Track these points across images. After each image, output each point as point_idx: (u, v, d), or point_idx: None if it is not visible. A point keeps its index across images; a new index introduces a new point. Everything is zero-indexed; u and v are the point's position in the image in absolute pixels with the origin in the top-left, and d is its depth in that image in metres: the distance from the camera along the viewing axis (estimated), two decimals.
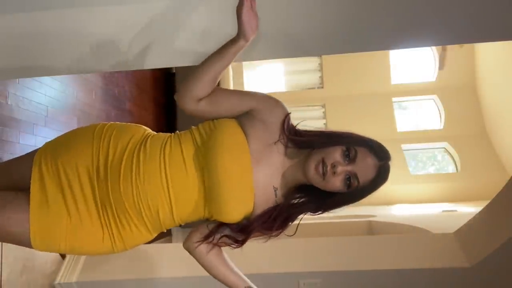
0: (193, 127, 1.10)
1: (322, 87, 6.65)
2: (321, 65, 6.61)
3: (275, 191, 1.07)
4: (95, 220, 1.03)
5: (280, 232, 1.10)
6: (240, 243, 1.09)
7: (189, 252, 1.19)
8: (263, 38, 1.08)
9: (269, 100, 1.09)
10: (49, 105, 2.54)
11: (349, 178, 1.02)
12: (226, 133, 1.03)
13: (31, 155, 1.08)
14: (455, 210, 4.31)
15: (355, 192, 1.05)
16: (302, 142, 1.07)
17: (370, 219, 4.08)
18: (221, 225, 1.07)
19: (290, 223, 1.11)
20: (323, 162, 1.01)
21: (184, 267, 2.44)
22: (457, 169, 6.21)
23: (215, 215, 1.05)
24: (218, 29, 1.03)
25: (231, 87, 4.93)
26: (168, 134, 1.12)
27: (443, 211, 4.40)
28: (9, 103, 2.18)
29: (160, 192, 1.01)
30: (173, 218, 1.05)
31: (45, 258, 2.32)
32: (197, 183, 1.03)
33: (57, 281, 2.33)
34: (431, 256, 2.33)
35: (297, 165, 1.08)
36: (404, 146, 6.27)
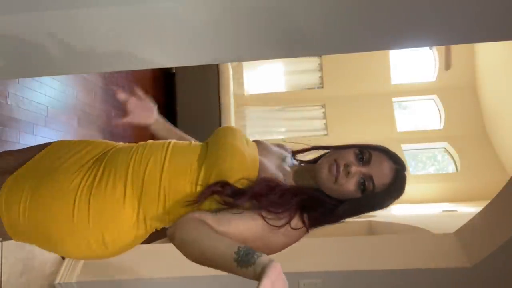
0: None
1: (322, 87, 6.64)
2: (321, 65, 6.61)
3: (284, 180, 0.98)
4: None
5: (288, 218, 0.90)
6: (230, 204, 0.89)
7: (183, 240, 0.87)
8: (263, 38, 1.08)
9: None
10: (49, 105, 2.54)
11: (364, 181, 0.94)
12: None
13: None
14: (455, 210, 4.31)
15: (369, 198, 0.95)
16: (314, 147, 1.07)
17: (370, 219, 4.08)
18: (218, 183, 0.90)
19: (295, 210, 0.92)
20: (336, 162, 0.94)
21: (184, 267, 2.44)
22: (457, 169, 6.21)
23: (212, 169, 0.91)
24: (218, 29, 1.03)
25: (231, 87, 4.92)
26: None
27: (443, 211, 4.40)
28: (9, 103, 2.18)
29: (159, 148, 0.98)
30: (160, 179, 0.93)
31: (45, 259, 2.32)
32: (198, 151, 0.98)
33: (57, 281, 2.33)
34: (431, 256, 2.33)
35: (305, 170, 1.03)
36: (404, 146, 6.26)
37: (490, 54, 5.77)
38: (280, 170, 1.01)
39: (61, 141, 1.10)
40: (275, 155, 1.06)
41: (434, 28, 1.06)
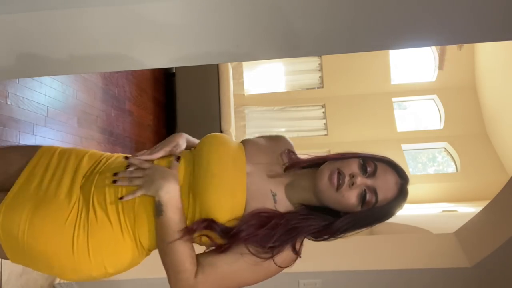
0: None
1: (322, 87, 6.65)
2: (321, 65, 6.61)
3: (273, 196, 0.92)
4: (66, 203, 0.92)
5: (276, 251, 0.86)
6: (220, 248, 0.87)
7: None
8: (264, 38, 1.08)
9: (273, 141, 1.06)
10: (49, 105, 2.54)
11: (366, 194, 0.88)
12: (221, 136, 1.00)
13: (34, 147, 1.04)
14: (455, 210, 4.31)
15: (369, 213, 0.89)
16: (311, 161, 0.96)
17: None
18: (205, 221, 0.87)
19: (287, 242, 0.89)
20: (339, 172, 0.87)
21: None
22: (457, 169, 6.21)
23: (200, 206, 0.89)
24: (218, 29, 1.03)
25: (231, 87, 4.93)
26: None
27: (443, 211, 4.40)
28: (9, 103, 2.18)
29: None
30: (150, 205, 0.92)
31: None
32: (185, 174, 0.94)
33: (57, 281, 2.33)
34: (431, 256, 2.33)
35: (304, 178, 0.94)
36: (404, 146, 6.27)
37: (490, 54, 5.77)
38: (269, 182, 0.94)
39: (42, 155, 1.03)
40: (267, 155, 0.99)
41: (434, 28, 1.06)
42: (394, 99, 6.56)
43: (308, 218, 0.91)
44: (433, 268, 2.25)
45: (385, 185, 0.89)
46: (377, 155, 0.94)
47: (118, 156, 1.05)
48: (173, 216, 0.87)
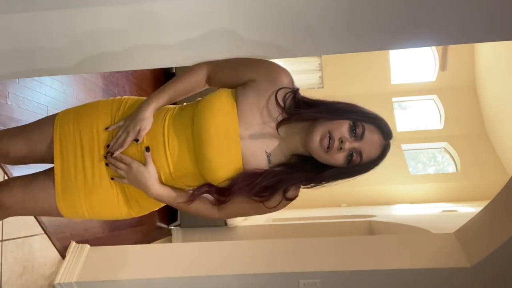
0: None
1: (322, 87, 6.64)
2: (321, 65, 6.61)
3: (268, 156, 1.03)
4: (107, 181, 1.10)
5: (263, 200, 1.02)
6: (221, 202, 1.06)
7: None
8: (263, 38, 1.08)
9: (275, 71, 1.07)
10: (49, 105, 2.54)
11: (352, 154, 0.99)
12: (216, 97, 1.05)
13: (51, 118, 1.18)
14: (455, 210, 4.31)
15: (353, 168, 1.01)
16: (304, 118, 1.02)
17: (370, 219, 4.08)
18: (203, 186, 1.07)
19: (275, 192, 1.03)
20: (330, 135, 0.97)
21: (184, 267, 2.44)
22: (457, 169, 6.21)
23: (203, 174, 1.04)
24: (219, 29, 1.03)
25: None
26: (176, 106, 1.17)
27: (443, 211, 4.40)
28: (9, 103, 2.18)
29: (160, 156, 1.06)
30: (172, 177, 1.08)
31: (45, 259, 2.32)
32: (189, 144, 1.05)
33: (57, 281, 2.33)
34: (431, 256, 2.33)
35: (297, 134, 1.04)
36: (404, 146, 6.27)
37: (490, 54, 5.77)
38: (263, 141, 1.04)
39: (63, 124, 1.17)
40: (260, 113, 1.04)
41: (434, 28, 1.06)
42: (394, 99, 6.56)
43: (296, 171, 1.03)
44: (433, 268, 2.25)
45: (370, 147, 1.00)
46: (367, 113, 1.04)
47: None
48: (169, 200, 1.08)
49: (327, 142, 0.96)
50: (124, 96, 1.19)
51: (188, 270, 2.41)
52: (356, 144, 0.98)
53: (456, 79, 6.31)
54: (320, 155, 0.99)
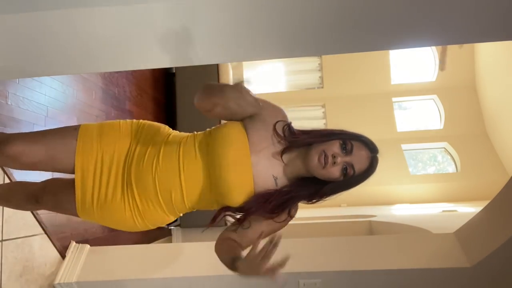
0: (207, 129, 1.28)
1: (322, 87, 6.64)
2: (321, 65, 6.61)
3: (275, 180, 1.20)
4: (119, 198, 1.20)
5: (275, 215, 1.18)
6: (240, 221, 1.20)
7: (217, 254, 1.26)
8: (263, 38, 1.09)
9: (272, 106, 1.23)
10: (49, 105, 2.54)
11: (346, 168, 1.16)
12: (229, 128, 1.19)
13: (73, 131, 1.25)
14: (455, 210, 4.31)
15: (349, 180, 1.18)
16: (302, 143, 1.20)
17: (370, 219, 4.08)
18: (225, 208, 1.20)
19: (285, 208, 1.19)
20: (325, 154, 1.14)
21: (184, 267, 2.44)
22: (457, 169, 6.21)
23: (220, 198, 1.18)
24: (219, 30, 1.03)
25: None
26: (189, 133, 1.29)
27: (443, 211, 4.40)
28: (9, 103, 2.18)
29: (174, 176, 1.17)
30: (184, 201, 1.20)
31: (45, 259, 2.32)
32: (204, 170, 1.18)
33: (57, 281, 2.33)
34: (431, 256, 2.33)
35: (297, 158, 1.20)
36: (404, 146, 6.26)
37: (490, 54, 5.77)
38: (271, 166, 1.19)
39: (85, 143, 1.25)
40: (266, 140, 1.20)
41: (434, 28, 1.06)
42: (394, 99, 6.56)
43: (300, 189, 1.20)
44: (433, 268, 2.25)
45: (360, 160, 1.17)
46: (353, 134, 1.21)
47: (144, 145, 1.25)
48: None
49: (323, 159, 1.14)
50: (141, 120, 1.33)
51: (188, 270, 2.41)
52: (347, 158, 1.16)
53: (456, 79, 6.31)
54: (319, 172, 1.16)
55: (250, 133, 1.18)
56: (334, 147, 1.16)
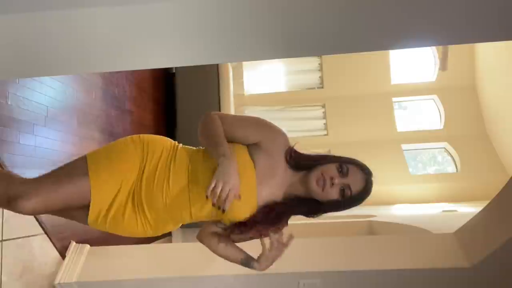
0: None
1: (322, 87, 6.64)
2: (321, 65, 6.61)
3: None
4: (131, 215, 1.26)
5: (274, 226, 1.28)
6: (244, 232, 1.29)
7: (201, 242, 1.43)
8: (263, 38, 1.09)
9: (273, 132, 1.30)
10: (49, 105, 2.54)
11: (344, 189, 1.24)
12: (238, 155, 1.24)
13: (80, 167, 1.25)
14: (455, 210, 4.31)
15: (346, 201, 1.25)
16: (303, 166, 1.29)
17: (370, 219, 4.08)
18: (230, 227, 1.30)
19: (282, 220, 1.30)
20: (323, 177, 1.23)
21: (184, 267, 2.44)
22: (457, 169, 6.20)
23: (225, 217, 1.28)
24: (218, 29, 1.03)
25: (231, 87, 4.92)
26: (193, 148, 1.33)
27: (443, 211, 4.40)
28: (9, 103, 2.18)
29: (184, 201, 1.24)
30: (191, 218, 1.28)
31: (45, 259, 2.32)
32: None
33: (57, 281, 2.33)
34: (431, 256, 2.33)
35: (297, 181, 1.29)
36: (404, 146, 6.26)
37: (490, 54, 5.77)
38: (274, 192, 1.29)
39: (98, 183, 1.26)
40: (272, 169, 1.28)
41: (434, 28, 1.06)
42: (394, 99, 6.56)
43: (296, 206, 1.30)
44: (433, 268, 2.25)
45: (356, 181, 1.26)
46: (348, 158, 1.29)
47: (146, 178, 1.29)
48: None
49: (321, 182, 1.23)
50: (141, 136, 1.35)
51: (188, 270, 2.41)
52: (344, 180, 1.24)
53: (456, 79, 6.30)
54: (319, 194, 1.24)
55: (257, 166, 1.25)
56: (331, 170, 1.24)
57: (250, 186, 1.23)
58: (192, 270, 2.39)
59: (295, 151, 1.31)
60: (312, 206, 1.29)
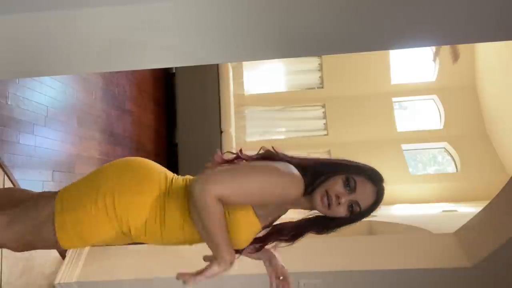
0: None
1: (322, 87, 6.64)
2: (321, 65, 6.61)
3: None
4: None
5: (288, 244, 1.28)
6: (257, 249, 1.31)
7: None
8: (263, 38, 1.09)
9: (289, 189, 1.14)
10: (49, 105, 2.54)
11: (352, 206, 1.14)
12: (244, 222, 1.15)
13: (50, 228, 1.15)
14: (455, 210, 4.31)
15: (356, 216, 1.17)
16: (308, 185, 1.16)
17: (370, 219, 4.06)
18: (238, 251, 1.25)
19: (297, 239, 1.27)
20: (328, 194, 1.12)
21: (184, 267, 2.44)
22: (457, 169, 6.20)
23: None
24: (219, 30, 1.03)
25: (231, 87, 4.92)
26: (183, 190, 1.17)
27: (443, 211, 4.40)
28: (9, 103, 2.18)
29: (180, 236, 1.20)
30: (189, 244, 1.26)
31: (44, 259, 2.32)
32: None
33: (57, 281, 2.33)
34: (431, 256, 2.33)
35: (304, 200, 1.19)
36: (404, 146, 6.26)
37: (490, 54, 5.77)
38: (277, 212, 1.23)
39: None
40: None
41: (434, 28, 1.06)
42: (394, 99, 6.56)
43: (308, 225, 1.24)
44: (433, 268, 2.25)
45: (365, 196, 1.14)
46: (357, 168, 1.16)
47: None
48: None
49: (326, 200, 1.12)
50: (107, 198, 1.13)
51: (188, 270, 2.40)
52: (352, 197, 1.13)
53: (456, 79, 6.30)
54: (325, 212, 1.15)
55: (263, 222, 1.19)
56: (337, 186, 1.12)
57: (253, 231, 1.19)
58: (192, 270, 2.39)
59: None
60: (322, 223, 1.22)
